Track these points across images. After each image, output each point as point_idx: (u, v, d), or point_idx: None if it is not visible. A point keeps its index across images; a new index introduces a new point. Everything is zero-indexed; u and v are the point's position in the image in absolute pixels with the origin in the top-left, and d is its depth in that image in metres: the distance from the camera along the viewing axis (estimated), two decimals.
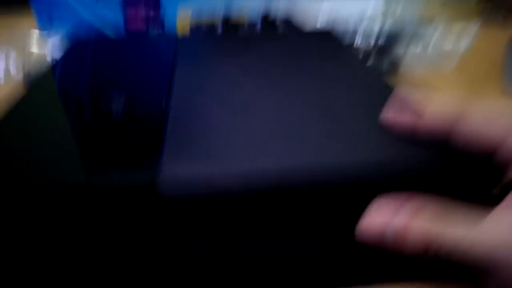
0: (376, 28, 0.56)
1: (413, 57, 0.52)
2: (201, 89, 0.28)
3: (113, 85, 0.31)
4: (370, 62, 0.34)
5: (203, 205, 0.18)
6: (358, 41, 0.49)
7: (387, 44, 0.50)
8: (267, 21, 0.52)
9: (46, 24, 0.59)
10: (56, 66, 0.35)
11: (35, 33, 0.58)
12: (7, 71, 0.48)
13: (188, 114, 0.24)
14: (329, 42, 0.42)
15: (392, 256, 0.17)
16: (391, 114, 0.21)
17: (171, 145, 0.20)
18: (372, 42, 0.48)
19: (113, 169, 0.19)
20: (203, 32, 0.52)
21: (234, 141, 0.20)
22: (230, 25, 0.52)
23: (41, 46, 0.53)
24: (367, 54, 0.48)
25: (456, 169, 0.19)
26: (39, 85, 0.31)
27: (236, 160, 0.18)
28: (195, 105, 0.25)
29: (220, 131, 0.21)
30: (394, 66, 0.51)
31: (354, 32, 0.52)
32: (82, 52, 0.40)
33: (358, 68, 0.34)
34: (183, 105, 0.25)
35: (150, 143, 0.21)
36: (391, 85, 0.29)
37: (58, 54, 0.52)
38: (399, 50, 0.53)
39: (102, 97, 0.28)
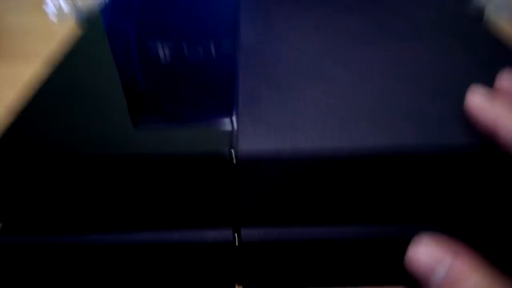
0: None
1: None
2: (271, 41, 0.25)
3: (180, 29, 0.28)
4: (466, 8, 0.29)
5: (278, 180, 0.16)
6: None
7: None
8: None
9: None
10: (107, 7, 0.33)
11: None
12: (59, 9, 0.47)
13: (259, 71, 0.21)
14: None
15: None
16: (477, 102, 0.17)
17: (246, 115, 0.18)
18: None
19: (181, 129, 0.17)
20: None
21: (308, 114, 0.17)
22: None
23: None
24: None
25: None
26: (90, 28, 0.29)
27: (311, 137, 0.16)
28: (265, 60, 0.22)
29: (293, 98, 0.18)
30: (480, 8, 0.44)
31: None
32: None
33: (455, 16, 0.28)
34: (253, 59, 0.22)
35: (220, 99, 0.19)
36: (497, 40, 0.24)
37: None
38: None
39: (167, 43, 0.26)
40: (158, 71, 0.22)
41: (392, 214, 0.17)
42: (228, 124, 0.17)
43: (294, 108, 0.18)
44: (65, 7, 0.47)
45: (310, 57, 0.22)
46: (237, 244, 0.17)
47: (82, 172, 0.16)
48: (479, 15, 0.43)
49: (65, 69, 0.22)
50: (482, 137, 0.16)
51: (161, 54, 0.24)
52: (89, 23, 0.29)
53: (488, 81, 0.18)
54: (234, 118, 0.18)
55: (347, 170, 0.16)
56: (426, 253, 0.16)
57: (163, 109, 0.19)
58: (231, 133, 0.17)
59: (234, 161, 0.16)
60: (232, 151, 0.16)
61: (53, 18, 0.46)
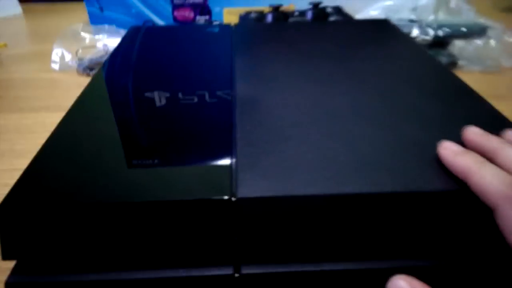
0: (432, 19, 0.53)
1: (472, 52, 0.49)
2: (264, 84, 0.27)
3: (178, 75, 0.31)
4: (428, 55, 0.32)
5: (274, 222, 0.18)
6: (415, 30, 0.47)
7: (446, 36, 0.47)
8: (318, 8, 0.51)
9: (97, 13, 0.60)
10: (110, 55, 0.35)
11: (87, 21, 0.59)
12: (61, 58, 0.49)
13: (255, 119, 0.23)
14: (385, 31, 0.40)
15: None
16: (449, 151, 0.19)
17: (245, 156, 0.20)
18: (431, 33, 0.46)
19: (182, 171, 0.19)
20: (253, 21, 0.51)
21: (305, 157, 0.20)
22: (280, 13, 0.51)
23: (93, 34, 0.54)
24: (425, 46, 0.46)
25: None
26: (93, 83, 0.31)
27: (304, 183, 0.18)
28: (261, 108, 0.24)
29: (288, 145, 0.21)
30: (453, 61, 0.48)
31: (411, 21, 0.50)
32: (135, 39, 0.40)
33: (421, 61, 0.32)
34: (249, 107, 0.24)
35: (220, 141, 0.21)
36: (461, 85, 0.27)
37: (111, 42, 0.53)
38: (457, 43, 0.50)
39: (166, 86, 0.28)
40: (155, 119, 0.24)
41: (379, 251, 0.19)
42: (227, 169, 0.19)
43: (289, 155, 0.19)
44: (68, 59, 0.49)
45: (304, 106, 0.25)
46: (236, 278, 0.18)
47: (91, 217, 0.17)
48: (451, 68, 0.47)
49: (70, 123, 0.24)
50: (453, 184, 0.18)
51: (158, 103, 0.26)
52: (93, 77, 0.31)
53: (458, 131, 0.21)
54: (233, 163, 0.19)
55: (336, 213, 0.18)
56: None
57: (163, 155, 0.20)
58: (230, 178, 0.18)
59: (233, 205, 0.17)
60: (232, 197, 0.17)
61: (57, 68, 0.48)
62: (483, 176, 0.17)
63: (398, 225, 0.18)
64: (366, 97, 0.26)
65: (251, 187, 0.17)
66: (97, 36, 0.53)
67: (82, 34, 0.52)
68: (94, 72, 0.42)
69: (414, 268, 0.18)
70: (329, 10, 0.52)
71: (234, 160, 0.19)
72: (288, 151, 0.20)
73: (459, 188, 0.18)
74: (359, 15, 0.56)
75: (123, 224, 0.17)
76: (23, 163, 0.19)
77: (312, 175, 0.18)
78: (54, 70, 0.48)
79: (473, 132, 0.20)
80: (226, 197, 0.17)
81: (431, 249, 0.19)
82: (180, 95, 0.27)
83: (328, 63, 0.31)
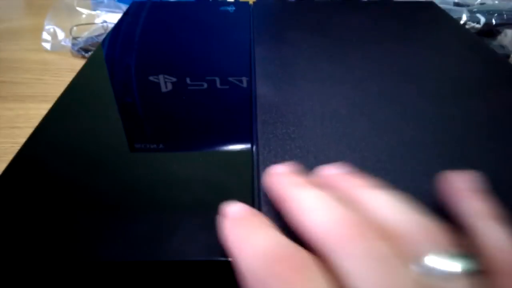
0: (479, 2, 0.46)
1: None
2: (286, 77, 0.22)
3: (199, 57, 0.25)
4: (486, 47, 0.26)
5: None
6: (464, 16, 0.40)
7: (500, 24, 0.41)
8: None
9: None
10: (110, 34, 0.30)
11: None
12: (54, 36, 0.44)
13: (277, 110, 0.20)
14: (432, 16, 0.34)
15: None
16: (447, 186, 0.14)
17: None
18: (482, 19, 0.39)
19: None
20: None
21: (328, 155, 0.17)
22: None
23: (91, 9, 0.48)
24: (475, 33, 0.39)
25: None
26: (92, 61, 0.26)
27: None
28: (283, 101, 0.20)
29: (312, 139, 0.18)
30: (505, 53, 0.41)
31: (456, 5, 0.43)
32: (138, 16, 0.34)
33: (480, 54, 0.26)
34: (270, 98, 0.20)
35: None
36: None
37: (111, 18, 0.47)
38: (510, 32, 0.43)
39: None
40: (160, 106, 0.20)
41: None
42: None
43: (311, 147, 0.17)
44: (61, 38, 0.43)
45: (338, 113, 0.19)
46: None
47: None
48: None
49: (66, 103, 0.20)
50: None
51: (163, 88, 0.21)
52: (89, 58, 0.26)
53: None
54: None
55: None
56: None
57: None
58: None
59: None
60: None
61: (48, 48, 0.43)
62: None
63: None
64: (414, 99, 0.20)
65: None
66: (95, 12, 0.47)
67: (78, 9, 0.46)
68: (90, 54, 0.37)
69: None
70: None
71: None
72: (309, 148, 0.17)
73: None
74: None
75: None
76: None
77: None
78: (45, 50, 0.42)
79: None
80: None
81: None
82: (188, 80, 0.22)
83: (365, 53, 0.26)
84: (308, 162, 0.17)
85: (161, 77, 0.23)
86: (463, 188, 0.13)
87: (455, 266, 0.10)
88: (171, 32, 0.31)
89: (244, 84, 0.22)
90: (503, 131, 0.18)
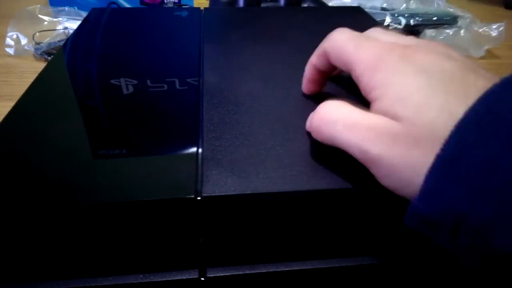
0: (404, 8, 0.53)
1: (442, 41, 0.50)
2: (233, 72, 0.26)
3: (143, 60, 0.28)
4: None
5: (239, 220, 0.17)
6: (387, 19, 0.46)
7: (417, 25, 0.48)
8: None
9: None
10: (71, 37, 0.33)
11: (46, 3, 0.55)
12: (17, 42, 0.46)
13: (223, 105, 0.22)
14: (358, 18, 0.40)
15: None
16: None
17: (211, 150, 0.18)
18: (403, 21, 0.46)
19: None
20: (224, 5, 0.49)
21: (275, 151, 0.18)
22: None
23: (52, 16, 0.51)
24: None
25: None
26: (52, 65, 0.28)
27: (270, 181, 0.17)
28: (228, 104, 0.23)
29: (260, 134, 0.20)
30: None
31: (383, 10, 0.49)
32: (98, 22, 0.37)
33: None
34: (216, 100, 0.23)
35: (185, 134, 0.19)
36: None
37: (72, 25, 0.49)
38: (428, 32, 0.50)
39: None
40: (120, 107, 0.22)
41: (349, 248, 0.18)
42: (191, 165, 0.18)
43: (258, 148, 0.19)
44: (24, 43, 0.46)
45: (275, 96, 0.23)
46: (202, 282, 0.17)
47: (49, 218, 0.16)
48: None
49: (26, 104, 0.22)
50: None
51: (124, 91, 0.24)
52: (51, 60, 0.29)
53: None
54: (198, 158, 0.18)
55: (306, 210, 0.17)
56: None
57: (125, 144, 0.19)
58: (195, 175, 0.17)
59: (198, 205, 0.16)
60: (197, 196, 0.16)
61: (12, 53, 0.45)
62: None
63: (373, 221, 0.18)
64: (343, 86, 0.25)
65: (217, 185, 0.16)
66: (56, 19, 0.49)
67: (40, 16, 0.48)
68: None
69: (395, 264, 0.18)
70: None
71: (199, 154, 0.18)
72: (258, 144, 0.19)
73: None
74: (332, 2, 0.56)
75: (80, 225, 0.16)
76: None
77: (281, 170, 0.17)
78: (8, 55, 0.45)
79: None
80: (190, 196, 0.16)
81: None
82: (148, 82, 0.25)
83: (300, 50, 0.31)
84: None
85: (122, 80, 0.26)
86: None
87: None
88: (130, 36, 0.34)
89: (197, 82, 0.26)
90: None
